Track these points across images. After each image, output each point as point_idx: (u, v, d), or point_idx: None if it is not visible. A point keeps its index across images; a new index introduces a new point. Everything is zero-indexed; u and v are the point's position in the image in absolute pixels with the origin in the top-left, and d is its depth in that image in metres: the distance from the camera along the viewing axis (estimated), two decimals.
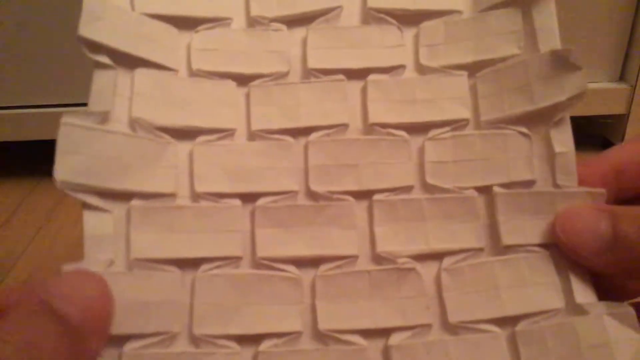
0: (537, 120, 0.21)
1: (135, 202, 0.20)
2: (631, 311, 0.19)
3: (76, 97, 0.62)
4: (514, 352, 0.19)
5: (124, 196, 0.20)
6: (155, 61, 0.21)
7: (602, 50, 0.65)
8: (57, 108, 0.62)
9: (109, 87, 0.20)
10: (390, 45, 0.23)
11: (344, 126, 0.22)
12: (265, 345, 0.19)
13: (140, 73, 0.21)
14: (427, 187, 0.21)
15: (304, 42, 0.23)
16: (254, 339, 0.20)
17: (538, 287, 0.20)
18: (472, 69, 0.22)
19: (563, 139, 0.20)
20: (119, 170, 0.19)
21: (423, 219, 0.21)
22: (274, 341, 0.20)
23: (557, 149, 0.20)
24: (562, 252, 0.20)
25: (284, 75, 0.22)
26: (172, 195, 0.21)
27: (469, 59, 0.22)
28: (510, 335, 0.20)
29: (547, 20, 0.21)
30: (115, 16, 0.21)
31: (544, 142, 0.21)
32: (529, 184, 0.21)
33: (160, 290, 0.19)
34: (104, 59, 0.20)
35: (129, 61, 0.21)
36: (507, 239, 0.20)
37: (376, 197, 0.21)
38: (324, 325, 0.20)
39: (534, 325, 0.19)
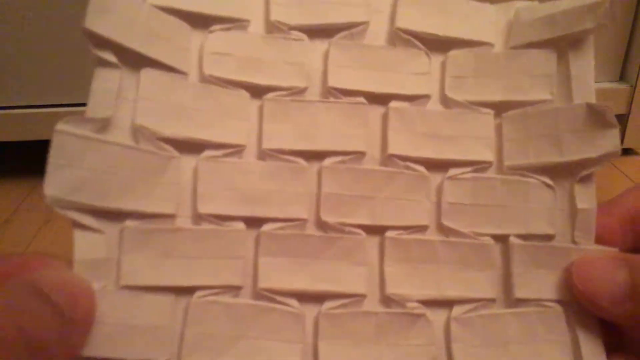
0: (562, 172, 0.20)
1: (129, 223, 0.18)
2: None
3: (77, 97, 0.62)
4: None
5: (119, 216, 0.18)
6: (164, 62, 0.20)
7: (602, 50, 0.65)
8: (57, 108, 0.62)
9: (112, 89, 0.18)
10: (416, 72, 0.21)
11: (360, 154, 0.21)
12: None
13: (147, 74, 0.19)
14: (443, 229, 0.20)
15: (326, 56, 0.21)
16: None
17: (549, 345, 0.19)
18: (500, 108, 0.21)
19: (586, 195, 0.20)
20: (115, 187, 0.18)
21: (436, 262, 0.20)
22: None
23: (580, 205, 0.20)
24: (576, 309, 0.19)
25: (302, 91, 0.21)
26: (171, 217, 0.19)
27: (497, 97, 0.21)
28: None
29: (584, 70, 0.20)
30: (125, 9, 0.19)
31: (567, 195, 0.20)
32: (548, 237, 0.20)
33: (148, 315, 0.18)
34: (109, 57, 0.18)
35: (135, 60, 0.19)
36: (520, 292, 0.20)
37: (388, 234, 0.20)
38: None
39: None
